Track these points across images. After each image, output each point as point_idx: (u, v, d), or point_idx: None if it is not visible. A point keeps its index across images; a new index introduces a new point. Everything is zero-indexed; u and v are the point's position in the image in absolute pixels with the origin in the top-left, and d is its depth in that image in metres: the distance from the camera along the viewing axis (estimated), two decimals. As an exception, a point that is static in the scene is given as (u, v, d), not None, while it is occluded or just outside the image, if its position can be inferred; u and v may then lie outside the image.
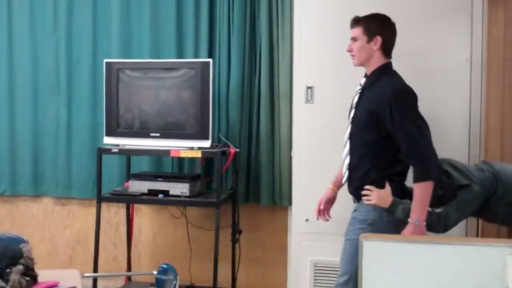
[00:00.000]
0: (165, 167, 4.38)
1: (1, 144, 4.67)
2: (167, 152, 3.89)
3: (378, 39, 2.90)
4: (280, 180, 4.15)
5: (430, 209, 2.79)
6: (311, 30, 3.57)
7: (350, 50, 2.98)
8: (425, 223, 2.74)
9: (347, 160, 2.99)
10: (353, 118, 2.98)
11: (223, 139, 4.11)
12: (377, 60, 2.93)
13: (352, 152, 2.97)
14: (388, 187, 2.85)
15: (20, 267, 2.53)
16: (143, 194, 3.93)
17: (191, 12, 4.28)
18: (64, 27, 4.52)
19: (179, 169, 4.37)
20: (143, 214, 4.53)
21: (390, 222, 2.84)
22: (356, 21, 2.96)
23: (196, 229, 4.30)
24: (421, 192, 2.74)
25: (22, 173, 4.66)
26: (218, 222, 3.77)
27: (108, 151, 3.96)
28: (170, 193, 3.87)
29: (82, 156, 4.49)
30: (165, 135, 3.94)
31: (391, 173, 2.90)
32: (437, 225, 2.79)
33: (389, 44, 2.95)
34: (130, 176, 4.16)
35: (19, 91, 4.63)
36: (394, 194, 2.84)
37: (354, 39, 2.96)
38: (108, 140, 4.04)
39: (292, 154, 3.67)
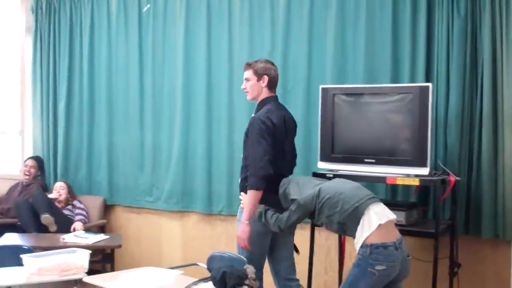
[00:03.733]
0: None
1: (221, 165, 4.99)
2: (383, 179, 3.78)
3: (265, 78, 3.62)
4: (503, 212, 3.87)
5: (273, 212, 3.47)
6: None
7: (244, 88, 3.72)
8: (247, 222, 3.52)
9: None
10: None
11: (442, 166, 3.91)
12: (264, 94, 3.69)
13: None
14: None
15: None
16: (357, 220, 3.87)
17: (408, 36, 4.21)
18: (280, 52, 4.69)
19: (392, 197, 4.25)
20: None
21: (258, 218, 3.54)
22: (247, 66, 3.70)
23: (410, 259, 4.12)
24: (248, 197, 3.51)
25: (237, 193, 4.87)
26: (437, 254, 3.58)
27: (323, 176, 3.97)
28: (386, 221, 3.77)
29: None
30: (380, 161, 3.83)
31: None
32: (274, 225, 3.45)
33: (273, 81, 3.70)
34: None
35: (238, 110, 4.94)
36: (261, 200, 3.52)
37: (247, 79, 3.68)
38: (322, 165, 4.05)
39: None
